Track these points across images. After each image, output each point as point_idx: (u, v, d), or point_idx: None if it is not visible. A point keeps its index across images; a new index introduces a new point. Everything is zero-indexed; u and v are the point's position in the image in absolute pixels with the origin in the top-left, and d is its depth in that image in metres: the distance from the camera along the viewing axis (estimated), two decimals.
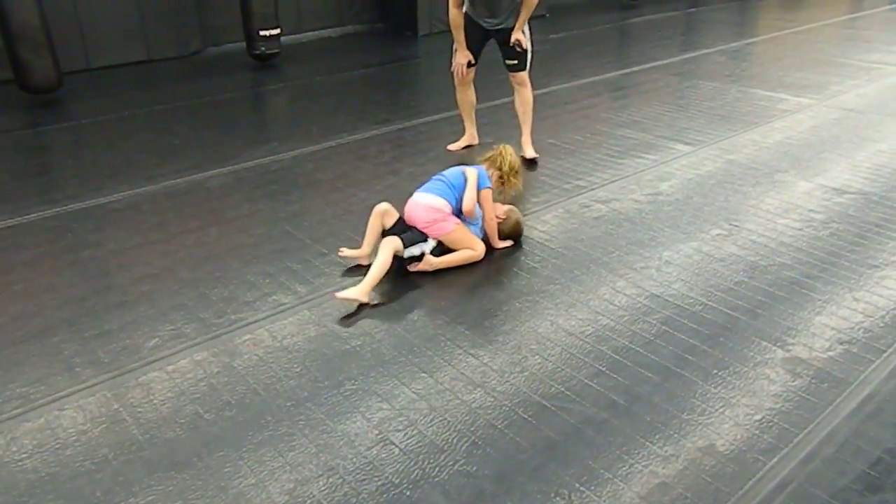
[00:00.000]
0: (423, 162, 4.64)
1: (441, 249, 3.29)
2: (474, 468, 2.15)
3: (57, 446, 2.25)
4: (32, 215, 3.88)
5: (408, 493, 2.06)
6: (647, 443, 2.24)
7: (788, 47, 8.11)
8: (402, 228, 3.26)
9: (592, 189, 4.20)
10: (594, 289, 3.14)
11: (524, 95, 4.68)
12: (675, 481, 2.09)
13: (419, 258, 3.21)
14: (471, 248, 3.31)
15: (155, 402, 2.44)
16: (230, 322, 2.89)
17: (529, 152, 4.61)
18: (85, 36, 6.77)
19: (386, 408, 2.40)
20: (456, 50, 4.50)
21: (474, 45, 4.50)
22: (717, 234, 3.60)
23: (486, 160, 3.58)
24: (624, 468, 2.15)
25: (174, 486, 2.09)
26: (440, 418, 2.35)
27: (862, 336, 2.77)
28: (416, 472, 2.13)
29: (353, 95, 6.44)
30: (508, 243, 3.48)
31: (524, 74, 4.58)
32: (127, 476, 2.13)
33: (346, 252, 3.31)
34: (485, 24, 4.37)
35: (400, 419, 2.35)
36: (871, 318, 2.88)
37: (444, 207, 3.29)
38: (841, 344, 2.72)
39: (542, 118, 5.54)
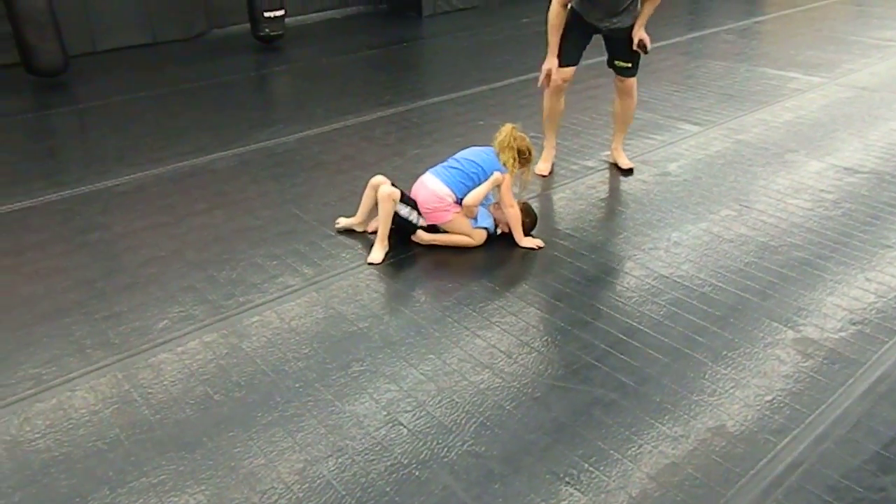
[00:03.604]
0: (428, 143, 4.61)
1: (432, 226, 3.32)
2: (482, 448, 2.15)
3: (69, 426, 2.27)
4: (41, 198, 3.88)
5: (416, 474, 2.06)
6: (657, 423, 2.24)
7: (799, 25, 7.99)
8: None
9: (600, 170, 4.16)
10: (601, 271, 3.12)
11: (628, 104, 4.07)
12: (684, 461, 2.09)
13: (408, 222, 3.25)
14: (467, 238, 3.28)
15: (165, 382, 2.45)
16: (238, 304, 2.89)
17: (625, 161, 4.15)
18: (91, 19, 6.73)
19: (394, 389, 2.40)
20: (547, 54, 3.83)
21: (579, 46, 3.87)
22: (727, 215, 3.57)
23: (502, 145, 3.33)
24: (633, 449, 2.14)
25: (185, 465, 2.10)
26: (448, 399, 2.35)
27: (874, 317, 2.75)
28: (424, 452, 2.14)
29: (357, 77, 6.39)
30: (534, 243, 3.28)
31: (635, 80, 3.98)
32: (138, 456, 2.14)
33: (342, 222, 3.41)
34: (598, 24, 3.77)
35: (408, 400, 2.35)
36: (884, 299, 2.85)
37: (446, 197, 3.24)
38: (853, 324, 2.70)
39: None
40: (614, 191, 3.88)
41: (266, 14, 6.80)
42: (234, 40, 7.40)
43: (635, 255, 3.23)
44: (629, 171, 4.09)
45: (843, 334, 2.65)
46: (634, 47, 3.77)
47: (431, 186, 3.28)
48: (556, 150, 4.21)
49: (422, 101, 5.48)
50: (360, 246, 3.33)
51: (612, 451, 2.13)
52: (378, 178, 3.33)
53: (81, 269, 3.17)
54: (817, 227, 3.42)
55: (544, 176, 4.03)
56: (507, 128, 3.38)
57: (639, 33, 3.75)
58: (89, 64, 6.49)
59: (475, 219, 3.32)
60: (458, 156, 3.41)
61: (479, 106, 5.29)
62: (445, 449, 2.15)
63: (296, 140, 4.71)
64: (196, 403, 2.35)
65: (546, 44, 3.84)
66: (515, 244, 3.30)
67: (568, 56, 3.87)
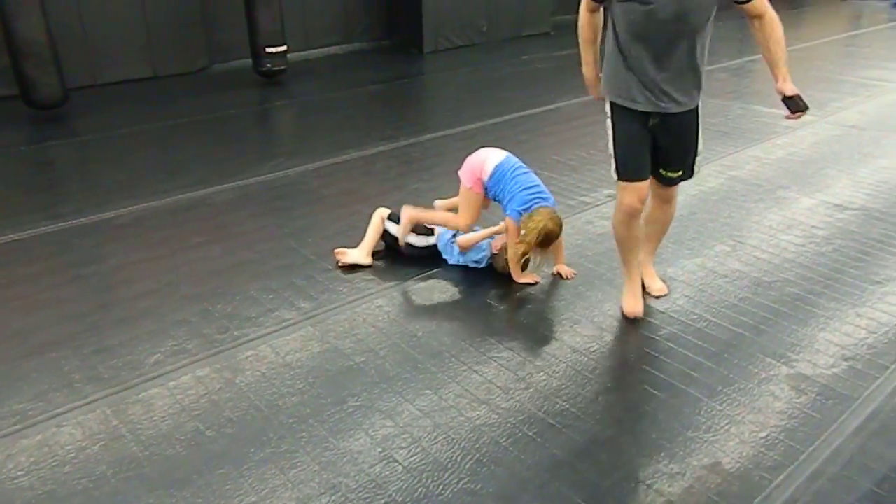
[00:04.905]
0: (429, 178, 4.65)
1: (417, 251, 3.48)
2: (479, 486, 2.13)
3: (54, 463, 2.23)
4: (36, 230, 3.89)
5: None
6: (653, 460, 2.22)
7: (790, 65, 8.13)
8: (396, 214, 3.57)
9: (597, 205, 4.20)
10: (599, 305, 3.13)
11: (666, 213, 3.11)
12: (680, 500, 2.07)
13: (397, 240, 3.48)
14: (455, 216, 3.42)
15: (155, 418, 2.43)
16: (233, 338, 2.88)
17: (657, 286, 3.17)
18: (91, 52, 6.83)
19: (390, 425, 2.38)
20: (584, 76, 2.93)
21: (644, 146, 2.78)
22: (721, 250, 3.59)
23: (529, 237, 3.08)
24: (629, 486, 2.12)
25: None
26: (444, 436, 2.33)
27: (865, 352, 2.75)
28: (419, 490, 2.11)
29: (359, 112, 6.47)
30: (531, 278, 3.29)
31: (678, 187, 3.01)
32: (125, 494, 2.11)
33: (345, 258, 3.44)
34: (655, 107, 2.66)
35: (404, 436, 2.33)
36: (875, 335, 2.86)
37: (477, 182, 3.32)
38: (845, 360, 2.70)
39: (546, 134, 5.58)
40: (610, 226, 3.90)
41: (268, 49, 6.91)
42: (235, 75, 7.51)
43: None
44: (660, 298, 3.16)
45: (835, 370, 2.65)
46: (791, 112, 2.64)
47: (485, 161, 3.33)
48: (640, 280, 3.08)
49: (423, 135, 5.55)
50: (357, 280, 3.33)
51: (608, 489, 2.11)
52: (384, 212, 3.57)
53: (73, 303, 3.17)
54: (809, 263, 3.45)
55: (637, 317, 2.98)
56: (541, 223, 3.06)
57: (786, 86, 2.62)
58: (90, 97, 6.56)
59: (463, 254, 3.39)
60: (518, 170, 3.29)
61: (479, 141, 5.31)
62: (441, 486, 2.13)
63: (296, 174, 4.74)
64: (187, 440, 2.33)
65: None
66: (512, 280, 3.31)
67: (636, 166, 2.79)
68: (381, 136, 5.52)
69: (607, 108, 2.81)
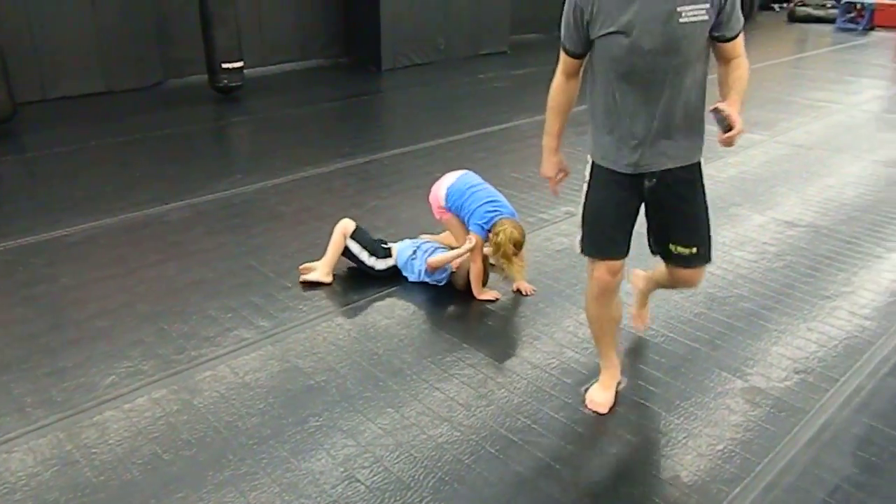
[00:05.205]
0: (386, 195, 4.65)
1: (378, 273, 3.46)
2: None
3: (5, 491, 2.15)
4: None
5: None
6: (613, 475, 2.25)
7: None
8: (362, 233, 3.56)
9: (555, 222, 4.27)
10: (559, 321, 3.17)
11: (682, 288, 2.75)
12: None
13: (359, 261, 3.45)
14: (456, 245, 3.45)
15: (110, 442, 2.36)
16: (190, 358, 2.82)
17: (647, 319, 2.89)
18: (42, 66, 6.65)
19: (351, 444, 2.36)
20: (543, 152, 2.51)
21: (623, 223, 2.38)
22: None
23: (497, 250, 3.16)
24: (591, 501, 2.14)
25: None
26: (406, 454, 2.32)
27: (816, 365, 2.85)
28: None
29: (316, 129, 6.45)
30: (492, 295, 3.32)
31: (704, 271, 2.52)
32: None
33: (308, 275, 3.41)
34: (647, 166, 2.27)
35: (366, 455, 2.31)
36: (825, 348, 2.97)
37: (441, 200, 3.47)
38: (797, 373, 2.80)
39: (505, 152, 5.65)
40: (569, 242, 3.96)
41: (224, 65, 6.84)
42: (191, 90, 7.40)
43: None
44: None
45: (787, 383, 2.74)
46: (722, 131, 2.07)
47: (439, 188, 3.49)
48: (619, 372, 2.67)
49: (381, 153, 5.56)
50: (317, 298, 3.31)
51: None
52: (348, 224, 3.52)
53: (24, 324, 3.06)
54: (761, 279, 3.56)
55: (601, 413, 2.54)
56: (506, 233, 3.12)
57: (730, 107, 2.11)
58: (39, 112, 6.39)
59: (429, 273, 3.39)
60: (474, 187, 3.40)
61: (437, 158, 5.39)
62: None
63: (254, 191, 4.69)
64: (143, 464, 2.26)
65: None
66: (473, 297, 3.33)
67: (606, 242, 2.40)
68: (338, 153, 5.51)
69: (587, 171, 2.41)
